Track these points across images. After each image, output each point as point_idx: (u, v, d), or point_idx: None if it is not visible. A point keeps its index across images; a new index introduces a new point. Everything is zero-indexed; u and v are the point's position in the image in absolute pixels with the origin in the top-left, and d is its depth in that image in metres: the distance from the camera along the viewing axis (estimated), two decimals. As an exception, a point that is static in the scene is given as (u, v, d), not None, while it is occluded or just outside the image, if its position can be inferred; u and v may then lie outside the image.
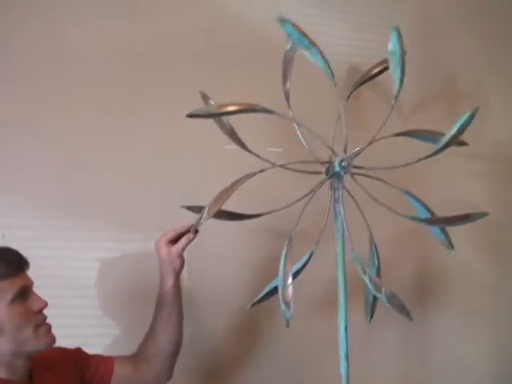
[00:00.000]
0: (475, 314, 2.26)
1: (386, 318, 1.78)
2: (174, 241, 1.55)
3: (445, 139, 1.55)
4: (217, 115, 1.51)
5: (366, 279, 1.54)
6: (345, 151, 1.61)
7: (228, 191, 1.48)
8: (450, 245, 1.72)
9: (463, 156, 2.09)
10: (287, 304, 1.50)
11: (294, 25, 1.62)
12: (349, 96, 1.81)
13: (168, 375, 1.61)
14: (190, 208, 1.54)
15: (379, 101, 2.04)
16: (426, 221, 1.65)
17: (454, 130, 1.55)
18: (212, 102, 1.53)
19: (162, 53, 1.91)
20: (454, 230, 1.73)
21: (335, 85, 1.62)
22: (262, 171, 1.54)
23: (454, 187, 2.20)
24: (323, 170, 1.65)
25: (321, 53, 1.62)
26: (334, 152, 1.62)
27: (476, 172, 2.25)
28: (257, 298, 1.64)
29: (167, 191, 1.88)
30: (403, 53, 1.65)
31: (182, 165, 1.92)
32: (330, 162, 1.60)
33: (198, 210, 1.53)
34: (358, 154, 1.61)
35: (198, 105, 1.51)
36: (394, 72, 1.66)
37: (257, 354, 2.00)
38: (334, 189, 1.63)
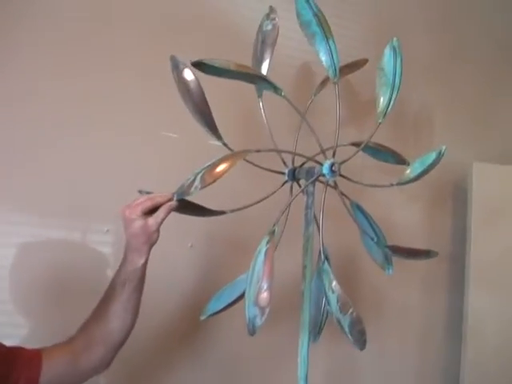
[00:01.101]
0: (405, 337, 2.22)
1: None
2: (149, 212, 1.28)
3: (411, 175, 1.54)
4: (232, 73, 1.28)
5: (333, 297, 1.39)
6: (333, 155, 1.47)
7: (228, 161, 1.24)
8: (387, 264, 1.64)
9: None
10: (262, 309, 1.27)
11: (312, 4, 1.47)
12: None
13: (108, 364, 1.32)
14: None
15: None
16: (390, 247, 1.55)
17: (422, 168, 1.53)
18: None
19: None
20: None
21: (335, 83, 1.48)
22: (258, 151, 1.34)
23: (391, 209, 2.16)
24: (285, 172, 1.52)
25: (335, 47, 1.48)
26: (324, 153, 1.47)
27: (412, 195, 2.23)
28: (218, 308, 1.41)
29: (98, 176, 1.71)
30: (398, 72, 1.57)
31: (113, 149, 1.74)
32: (320, 164, 1.45)
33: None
34: (345, 161, 1.48)
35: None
36: (380, 89, 1.58)
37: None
38: (307, 194, 1.47)
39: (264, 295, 1.27)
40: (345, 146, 1.56)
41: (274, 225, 1.35)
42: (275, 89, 1.35)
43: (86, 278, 1.64)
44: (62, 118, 1.68)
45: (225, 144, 1.45)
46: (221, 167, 1.23)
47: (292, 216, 1.50)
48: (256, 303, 1.27)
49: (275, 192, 1.49)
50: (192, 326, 1.81)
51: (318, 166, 1.45)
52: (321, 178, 1.46)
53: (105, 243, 1.70)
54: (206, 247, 1.82)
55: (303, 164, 1.55)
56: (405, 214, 2.17)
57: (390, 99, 1.54)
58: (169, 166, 1.76)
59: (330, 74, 1.47)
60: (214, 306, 1.46)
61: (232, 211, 1.41)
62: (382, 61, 1.58)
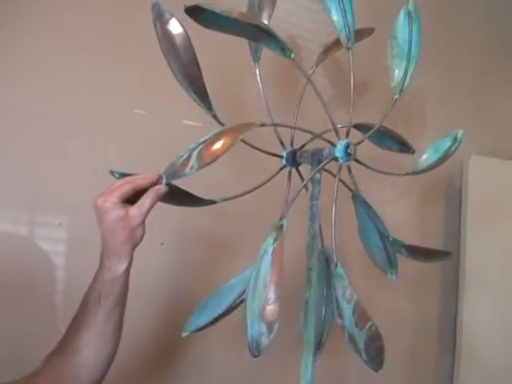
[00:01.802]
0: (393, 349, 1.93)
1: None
2: (129, 201, 0.98)
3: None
4: (234, 25, 1.00)
5: (348, 308, 1.14)
6: (347, 135, 1.22)
7: (230, 135, 0.98)
8: (389, 268, 1.40)
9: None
10: (270, 324, 1.01)
11: None
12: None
13: None
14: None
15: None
16: (408, 248, 1.31)
17: (438, 155, 1.32)
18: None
19: None
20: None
21: (349, 48, 1.23)
22: (263, 125, 1.07)
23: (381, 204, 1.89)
24: (283, 154, 1.27)
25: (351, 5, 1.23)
26: (337, 132, 1.22)
27: (405, 190, 2.00)
28: (203, 322, 1.14)
29: (48, 158, 1.42)
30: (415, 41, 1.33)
31: (67, 126, 1.45)
32: (333, 145, 1.19)
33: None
34: (360, 143, 1.23)
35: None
36: (393, 61, 1.33)
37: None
38: (313, 181, 1.21)
39: (272, 307, 1.00)
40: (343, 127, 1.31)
41: (281, 218, 1.09)
42: (283, 50, 1.09)
43: (32, 281, 1.34)
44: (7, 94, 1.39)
45: (215, 116, 1.18)
46: (221, 143, 0.96)
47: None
48: (262, 317, 1.00)
49: (271, 179, 1.24)
50: (167, 341, 1.53)
51: (327, 148, 1.20)
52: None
53: (56, 239, 1.40)
54: (180, 245, 1.54)
55: (303, 146, 1.29)
56: (396, 211, 1.93)
57: (405, 72, 1.30)
58: (135, 146, 1.48)
59: (343, 37, 1.21)
60: (198, 319, 1.18)
61: (223, 200, 1.16)
62: (395, 27, 1.33)
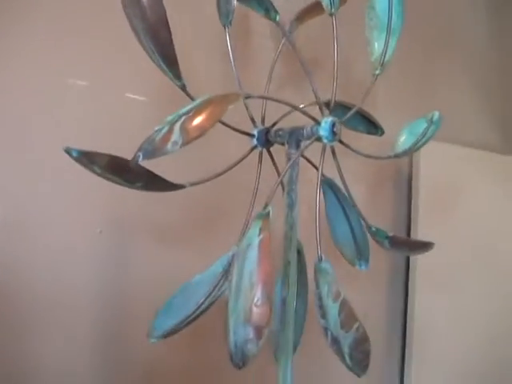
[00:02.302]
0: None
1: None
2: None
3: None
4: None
5: (334, 308, 1.01)
6: (330, 111, 1.08)
7: (216, 105, 0.82)
8: (358, 260, 1.29)
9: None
10: (258, 329, 0.86)
11: None
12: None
13: None
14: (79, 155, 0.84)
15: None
16: (391, 239, 1.19)
17: (414, 138, 1.20)
18: None
19: None
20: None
21: (332, 14, 1.09)
22: (248, 97, 0.92)
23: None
24: (254, 133, 1.12)
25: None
26: (321, 108, 1.08)
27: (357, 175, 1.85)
28: (170, 326, 0.97)
29: None
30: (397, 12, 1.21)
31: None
32: (317, 122, 1.05)
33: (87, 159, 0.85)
34: (343, 121, 1.09)
35: None
36: (371, 33, 1.20)
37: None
38: (291, 164, 1.07)
39: (261, 309, 0.87)
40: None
41: (267, 204, 0.94)
42: (268, 11, 0.94)
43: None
44: None
45: (183, 87, 1.01)
46: (207, 113, 0.81)
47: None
48: (248, 321, 0.86)
49: (242, 160, 1.09)
50: (108, 339, 1.36)
51: (308, 126, 1.06)
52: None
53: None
54: (121, 234, 1.36)
55: (275, 124, 1.15)
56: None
57: (386, 45, 1.18)
58: (73, 121, 1.30)
59: (325, 1, 1.08)
60: (165, 322, 1.02)
61: (192, 184, 1.00)
62: None
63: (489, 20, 2.38)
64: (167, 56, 0.96)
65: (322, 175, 1.21)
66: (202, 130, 0.79)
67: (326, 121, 1.04)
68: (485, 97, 2.26)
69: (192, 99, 1.00)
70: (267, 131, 1.12)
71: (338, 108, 1.20)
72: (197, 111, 0.81)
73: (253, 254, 0.88)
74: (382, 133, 1.36)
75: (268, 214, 0.92)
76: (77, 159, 0.84)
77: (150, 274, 1.33)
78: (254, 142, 1.12)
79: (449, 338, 1.90)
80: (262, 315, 0.86)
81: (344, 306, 1.01)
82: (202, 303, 1.01)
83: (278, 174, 1.16)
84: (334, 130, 1.04)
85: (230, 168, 1.07)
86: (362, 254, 1.30)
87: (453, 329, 1.91)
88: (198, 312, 1.01)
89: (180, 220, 1.43)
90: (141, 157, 0.79)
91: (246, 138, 1.11)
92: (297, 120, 1.09)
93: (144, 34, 0.93)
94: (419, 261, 1.86)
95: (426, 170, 1.90)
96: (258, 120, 1.13)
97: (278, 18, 0.95)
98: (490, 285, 1.99)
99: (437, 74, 2.10)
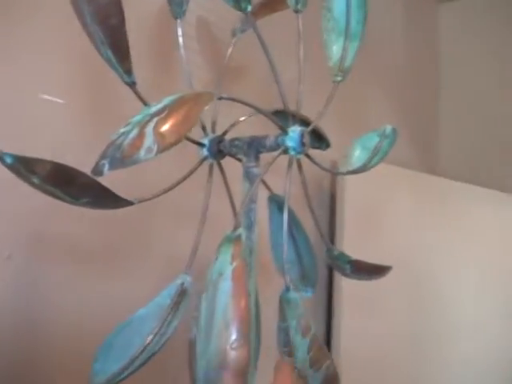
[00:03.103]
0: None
1: None
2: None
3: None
4: None
5: (303, 344, 0.88)
6: (296, 120, 0.95)
7: (192, 104, 0.68)
8: (303, 286, 1.18)
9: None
10: (236, 376, 0.72)
11: None
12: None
13: None
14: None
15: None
16: (354, 263, 1.08)
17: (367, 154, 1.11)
18: None
19: None
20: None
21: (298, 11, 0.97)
22: (220, 98, 0.79)
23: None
24: (205, 142, 0.98)
25: None
26: (293, 118, 0.95)
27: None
28: (114, 370, 0.81)
29: None
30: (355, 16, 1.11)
31: None
32: (285, 132, 0.92)
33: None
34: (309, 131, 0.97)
35: None
36: (329, 36, 1.10)
37: None
38: (248, 178, 0.94)
39: (239, 352, 0.73)
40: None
41: (236, 227, 0.81)
42: (238, 0, 0.81)
43: None
44: None
45: (133, 84, 0.86)
46: (182, 115, 0.67)
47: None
48: (224, 367, 0.72)
49: (192, 173, 0.95)
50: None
51: (271, 136, 0.94)
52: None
53: None
54: (34, 258, 1.17)
55: (225, 133, 1.02)
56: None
57: (344, 50, 1.08)
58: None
59: (289, -3, 0.97)
60: (107, 365, 0.85)
61: (140, 201, 0.85)
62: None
63: (405, 36, 2.38)
64: (118, 47, 0.80)
65: (272, 192, 1.10)
66: (179, 135, 0.66)
67: (294, 130, 0.92)
68: (403, 115, 2.24)
69: (142, 100, 0.86)
70: (220, 140, 0.99)
71: (281, 117, 1.08)
72: (171, 112, 0.67)
73: (226, 285, 0.75)
74: (328, 146, 1.27)
75: (239, 236, 0.79)
76: (11, 167, 0.68)
77: (70, 307, 1.16)
78: (205, 152, 0.98)
79: (373, 360, 1.83)
80: (240, 359, 0.72)
81: (314, 342, 0.89)
82: (150, 342, 0.86)
83: (228, 189, 1.02)
84: (304, 140, 0.92)
85: (180, 182, 0.93)
86: (308, 279, 1.20)
87: (376, 350, 1.84)
88: (145, 353, 0.85)
89: (107, 242, 1.26)
90: (106, 166, 0.63)
91: (187, 148, 0.97)
92: (245, 130, 0.97)
93: (91, 18, 0.78)
94: (343, 282, 1.79)
95: (350, 189, 1.83)
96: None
97: (249, 8, 0.83)
98: (413, 304, 1.95)
99: (357, 93, 2.04)
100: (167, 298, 0.91)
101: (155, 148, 0.63)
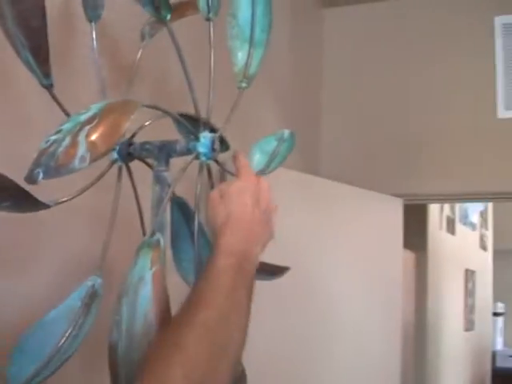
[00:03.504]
0: None
1: None
2: None
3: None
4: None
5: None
6: (207, 126, 0.98)
7: (121, 112, 0.70)
8: None
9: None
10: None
11: None
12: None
13: None
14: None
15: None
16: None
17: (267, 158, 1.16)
18: None
19: None
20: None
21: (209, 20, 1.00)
22: (144, 106, 0.80)
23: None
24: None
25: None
26: (204, 122, 0.98)
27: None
28: (34, 371, 0.81)
29: None
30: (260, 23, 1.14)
31: None
32: (196, 138, 0.95)
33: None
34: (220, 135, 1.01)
35: None
36: (233, 43, 1.13)
37: None
38: (160, 182, 0.96)
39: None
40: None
41: (154, 232, 0.83)
42: (157, 9, 0.83)
43: None
44: None
45: (51, 87, 0.86)
46: (112, 123, 0.69)
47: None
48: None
49: (103, 176, 0.96)
50: None
51: (182, 140, 0.97)
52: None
53: None
54: None
55: (133, 135, 1.03)
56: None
57: (249, 57, 1.12)
58: None
59: (201, 4, 1.00)
60: (23, 368, 0.84)
61: (56, 204, 0.86)
62: (234, 4, 1.14)
63: (291, 41, 2.46)
64: (39, 49, 0.81)
65: (174, 194, 1.13)
66: (110, 144, 0.68)
67: (205, 136, 0.96)
68: (287, 117, 2.32)
69: (58, 103, 0.87)
70: (130, 143, 1.00)
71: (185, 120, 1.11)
72: (101, 120, 0.68)
73: (146, 290, 0.77)
74: (227, 149, 1.30)
75: (158, 242, 0.82)
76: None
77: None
78: (115, 155, 1.00)
79: (266, 359, 1.89)
80: (161, 362, 0.75)
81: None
82: (62, 345, 0.87)
83: (136, 192, 1.04)
84: (215, 146, 0.96)
85: (90, 186, 0.94)
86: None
87: (268, 349, 1.90)
88: (59, 355, 0.86)
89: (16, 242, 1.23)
90: (41, 175, 0.64)
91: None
92: (149, 134, 1.00)
93: (13, 20, 0.78)
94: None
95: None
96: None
97: (168, 16, 0.85)
98: (298, 302, 2.03)
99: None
100: (77, 300, 0.92)
101: (88, 157, 0.65)
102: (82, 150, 0.65)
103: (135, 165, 1.02)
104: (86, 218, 1.30)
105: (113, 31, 1.17)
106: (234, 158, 0.94)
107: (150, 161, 1.01)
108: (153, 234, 0.83)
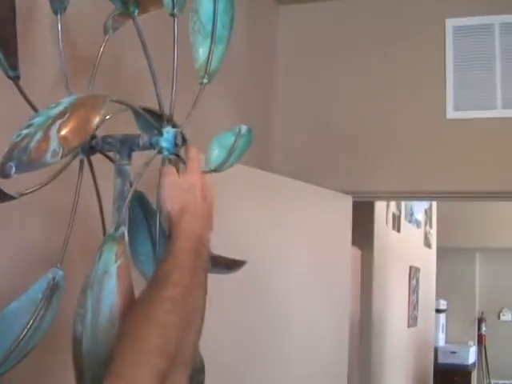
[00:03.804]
0: None
1: None
2: None
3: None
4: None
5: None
6: (169, 121, 1.00)
7: (90, 107, 0.72)
8: None
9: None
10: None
11: None
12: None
13: None
14: None
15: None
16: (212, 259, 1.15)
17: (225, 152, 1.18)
18: None
19: None
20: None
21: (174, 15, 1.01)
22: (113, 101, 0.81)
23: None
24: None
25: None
26: (165, 118, 0.99)
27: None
28: None
29: None
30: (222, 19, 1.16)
31: None
32: (159, 132, 0.96)
33: None
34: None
35: None
36: (195, 38, 1.14)
37: None
38: (121, 174, 0.97)
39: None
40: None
41: (118, 225, 0.85)
42: (125, 3, 0.85)
43: None
44: None
45: (17, 78, 0.87)
46: (83, 117, 0.71)
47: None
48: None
49: (65, 168, 0.97)
50: None
51: (144, 135, 0.98)
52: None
53: None
54: None
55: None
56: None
57: (210, 53, 1.14)
58: None
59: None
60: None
61: (22, 195, 0.87)
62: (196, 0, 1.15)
63: (246, 37, 2.47)
64: (6, 40, 0.81)
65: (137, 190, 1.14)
66: (81, 138, 0.69)
67: (169, 131, 0.97)
68: (242, 113, 2.34)
69: (24, 95, 0.87)
70: (93, 137, 1.01)
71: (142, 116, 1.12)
72: (72, 114, 0.69)
73: (111, 283, 0.79)
74: (185, 142, 1.32)
75: (123, 236, 0.84)
76: None
77: None
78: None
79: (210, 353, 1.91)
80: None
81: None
82: (24, 336, 0.88)
83: (96, 185, 1.05)
84: (177, 141, 0.98)
85: (55, 177, 0.95)
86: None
87: (213, 343, 1.92)
88: (19, 348, 0.87)
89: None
90: (13, 169, 0.65)
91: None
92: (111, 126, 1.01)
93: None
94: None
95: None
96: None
97: (136, 12, 0.86)
98: (249, 297, 2.06)
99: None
100: (38, 292, 0.93)
101: (60, 151, 0.66)
102: (54, 144, 0.66)
103: (96, 158, 1.04)
104: (47, 211, 1.30)
105: (76, 24, 1.17)
106: (186, 150, 0.98)
107: (111, 155, 1.02)
108: (117, 227, 0.85)
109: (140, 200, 1.17)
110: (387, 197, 3.45)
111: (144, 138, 0.98)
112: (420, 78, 2.73)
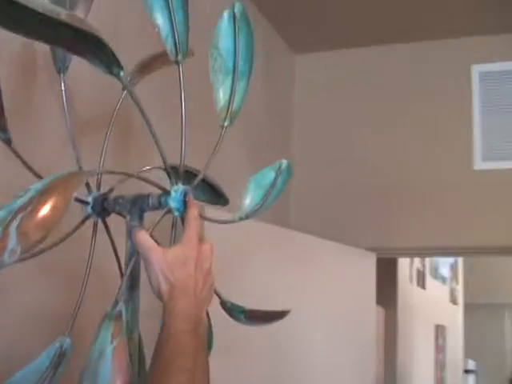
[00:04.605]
0: None
1: None
2: None
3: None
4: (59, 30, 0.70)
5: None
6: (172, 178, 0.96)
7: (59, 194, 0.68)
8: None
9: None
10: None
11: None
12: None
13: None
14: None
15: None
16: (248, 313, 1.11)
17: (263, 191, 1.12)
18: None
19: None
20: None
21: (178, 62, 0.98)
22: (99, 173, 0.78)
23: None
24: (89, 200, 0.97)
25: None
26: (170, 175, 0.95)
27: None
28: None
29: None
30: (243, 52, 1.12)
31: None
32: (166, 192, 0.93)
33: None
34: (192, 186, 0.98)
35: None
36: (216, 78, 1.10)
37: None
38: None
39: None
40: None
41: (117, 302, 0.80)
42: (109, 67, 0.81)
43: None
44: None
45: (9, 142, 0.83)
46: (49, 206, 0.66)
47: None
48: None
49: (76, 231, 0.94)
50: None
51: (154, 195, 0.94)
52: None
53: None
54: None
55: (111, 190, 1.00)
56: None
57: (232, 91, 1.09)
58: None
59: (168, 47, 0.97)
60: None
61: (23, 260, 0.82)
62: (216, 35, 1.10)
63: (263, 85, 2.47)
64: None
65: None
66: (46, 230, 0.64)
67: (177, 190, 0.93)
68: (257, 162, 2.32)
69: (19, 157, 0.84)
70: (104, 198, 0.98)
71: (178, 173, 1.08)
72: (37, 205, 0.65)
73: (106, 366, 0.74)
74: (226, 203, 1.27)
75: (120, 314, 0.79)
76: None
77: None
78: (89, 210, 0.96)
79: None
80: None
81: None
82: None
83: (114, 247, 1.01)
84: (186, 199, 0.94)
85: (63, 240, 0.91)
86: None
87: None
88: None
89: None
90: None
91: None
92: (135, 185, 0.98)
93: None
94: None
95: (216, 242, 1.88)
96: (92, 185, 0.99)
97: (121, 73, 0.82)
98: (272, 347, 2.03)
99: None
100: (46, 360, 0.88)
101: (18, 249, 0.62)
102: (12, 242, 0.62)
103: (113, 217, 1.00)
104: (60, 273, 1.27)
105: (78, 83, 1.15)
106: (186, 211, 0.93)
107: (125, 213, 0.99)
108: (115, 304, 0.80)
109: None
110: (412, 253, 3.38)
111: (153, 198, 0.94)
112: (445, 127, 2.68)
